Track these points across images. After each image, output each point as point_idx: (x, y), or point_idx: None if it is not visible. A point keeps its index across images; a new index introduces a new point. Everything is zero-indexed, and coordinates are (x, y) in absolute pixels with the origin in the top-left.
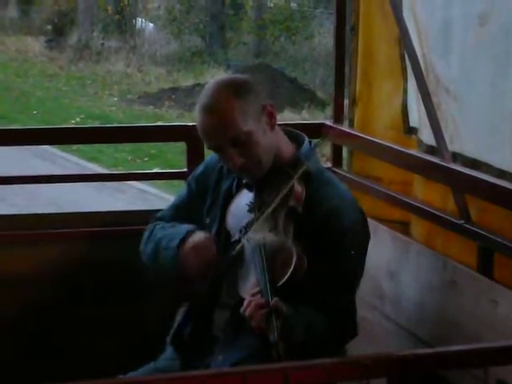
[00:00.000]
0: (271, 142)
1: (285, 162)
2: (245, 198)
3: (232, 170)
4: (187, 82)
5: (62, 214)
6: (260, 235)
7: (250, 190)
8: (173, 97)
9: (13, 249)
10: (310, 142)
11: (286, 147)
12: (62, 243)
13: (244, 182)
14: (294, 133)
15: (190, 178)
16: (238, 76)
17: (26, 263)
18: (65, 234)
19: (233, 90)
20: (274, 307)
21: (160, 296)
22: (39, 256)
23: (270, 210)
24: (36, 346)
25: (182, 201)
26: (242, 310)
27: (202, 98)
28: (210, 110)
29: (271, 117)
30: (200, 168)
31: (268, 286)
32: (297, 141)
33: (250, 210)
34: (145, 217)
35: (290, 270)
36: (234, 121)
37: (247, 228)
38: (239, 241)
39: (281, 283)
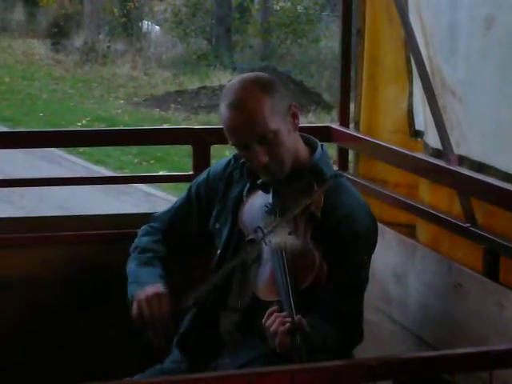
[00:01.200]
0: (294, 143)
1: (302, 166)
2: (260, 199)
3: (254, 167)
4: (193, 84)
5: (65, 216)
6: (280, 238)
7: (266, 191)
8: (179, 100)
9: (14, 251)
10: (322, 147)
11: (303, 150)
12: (65, 246)
13: (259, 182)
14: (307, 137)
15: (192, 183)
16: (263, 74)
17: (27, 266)
18: (67, 236)
19: (261, 87)
20: (298, 326)
21: None
22: (41, 259)
23: (294, 214)
24: (39, 349)
25: (179, 206)
26: (264, 321)
27: (229, 94)
28: (238, 106)
29: (295, 117)
30: (203, 175)
31: (291, 292)
32: (310, 145)
33: (268, 212)
34: (145, 219)
35: (313, 276)
36: (263, 118)
37: (266, 229)
38: (253, 240)
39: (303, 287)
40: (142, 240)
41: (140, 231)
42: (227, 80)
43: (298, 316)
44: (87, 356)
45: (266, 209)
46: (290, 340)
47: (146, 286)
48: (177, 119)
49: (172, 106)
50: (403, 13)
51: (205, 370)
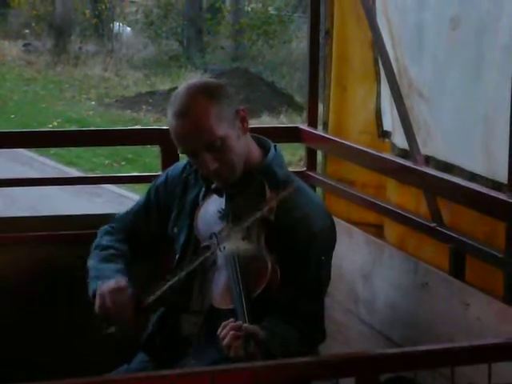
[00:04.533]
0: (244, 146)
1: (254, 168)
2: (214, 204)
3: (204, 174)
4: (165, 85)
5: (33, 217)
6: (233, 244)
7: (220, 195)
8: (150, 101)
9: None
10: (275, 148)
11: (255, 152)
12: (34, 246)
13: (213, 187)
14: (260, 138)
15: (151, 185)
16: (211, 80)
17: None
18: (36, 236)
19: (207, 94)
20: (251, 335)
21: None
22: (13, 259)
23: (247, 223)
24: (9, 346)
25: (139, 207)
26: (218, 333)
27: (175, 102)
28: (184, 114)
29: (244, 121)
30: (161, 178)
31: (243, 301)
32: (263, 146)
33: (221, 218)
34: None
35: (266, 281)
36: (209, 125)
37: (219, 236)
38: (208, 247)
39: (255, 294)
40: (102, 239)
41: (100, 231)
42: (192, 81)
43: (251, 325)
44: (58, 355)
45: (219, 214)
46: (243, 353)
47: (107, 280)
48: (148, 120)
49: (143, 107)
50: (370, 14)
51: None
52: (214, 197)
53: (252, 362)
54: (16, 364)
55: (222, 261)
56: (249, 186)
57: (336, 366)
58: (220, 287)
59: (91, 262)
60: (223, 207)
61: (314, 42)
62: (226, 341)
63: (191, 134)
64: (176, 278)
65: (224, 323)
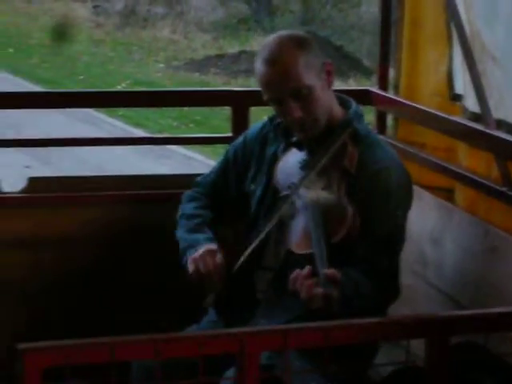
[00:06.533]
0: (328, 100)
1: (335, 124)
2: (294, 156)
3: (288, 122)
4: (233, 49)
5: (104, 176)
6: (313, 193)
7: (300, 148)
8: (219, 64)
9: (57, 210)
10: (356, 106)
11: (337, 109)
12: (104, 205)
13: (294, 140)
14: (342, 97)
15: (229, 147)
16: (298, 31)
17: (69, 224)
18: (108, 196)
19: (297, 43)
20: (330, 277)
21: None
22: (83, 217)
23: (321, 164)
24: (80, 305)
25: (218, 169)
26: (290, 286)
27: (264, 50)
28: (273, 61)
29: (330, 75)
30: (240, 139)
31: (323, 245)
32: (345, 104)
33: (302, 168)
34: (184, 181)
35: (346, 229)
36: (297, 73)
37: (298, 184)
38: (288, 196)
39: (335, 241)
40: (187, 206)
41: (184, 197)
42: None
43: (330, 269)
44: (126, 312)
45: (299, 165)
46: (322, 300)
47: (198, 247)
48: (217, 83)
49: (212, 69)
50: None
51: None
52: (294, 150)
53: (328, 306)
54: (95, 320)
55: (301, 208)
56: (330, 141)
57: (407, 327)
58: (298, 233)
59: (180, 233)
60: (304, 159)
61: (385, 4)
62: (303, 293)
63: (279, 80)
64: (260, 237)
65: (292, 276)
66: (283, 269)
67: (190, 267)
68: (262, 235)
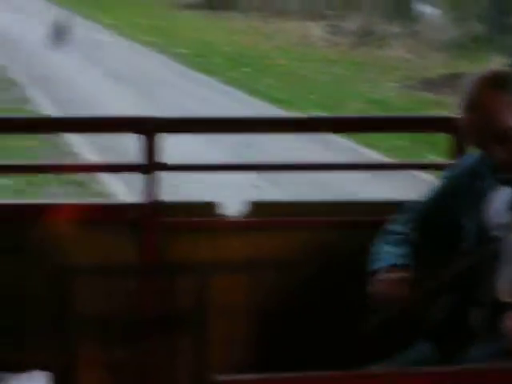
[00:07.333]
0: None
1: None
2: (504, 194)
3: (494, 165)
4: (469, 68)
5: (318, 202)
6: None
7: (509, 186)
8: (453, 84)
9: (271, 233)
10: None
11: None
12: (317, 230)
13: (501, 177)
14: None
15: (443, 174)
16: (500, 69)
17: (283, 248)
18: (320, 221)
19: (495, 85)
20: None
21: None
22: (296, 241)
23: None
24: (299, 331)
25: (430, 198)
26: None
27: (464, 95)
28: (472, 108)
29: None
30: (452, 168)
31: None
32: None
33: (510, 209)
34: (390, 208)
35: None
36: (497, 117)
37: (507, 226)
38: (497, 237)
39: None
40: (393, 225)
41: (392, 219)
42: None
43: None
44: (329, 340)
45: (507, 205)
46: None
47: (389, 265)
48: (450, 103)
49: (446, 89)
50: None
51: (453, 361)
52: (502, 188)
53: None
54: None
55: (510, 253)
56: None
57: None
58: (506, 280)
59: (377, 244)
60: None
61: None
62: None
63: (479, 126)
64: (463, 266)
65: (508, 314)
66: (494, 308)
67: (375, 286)
68: (461, 267)
